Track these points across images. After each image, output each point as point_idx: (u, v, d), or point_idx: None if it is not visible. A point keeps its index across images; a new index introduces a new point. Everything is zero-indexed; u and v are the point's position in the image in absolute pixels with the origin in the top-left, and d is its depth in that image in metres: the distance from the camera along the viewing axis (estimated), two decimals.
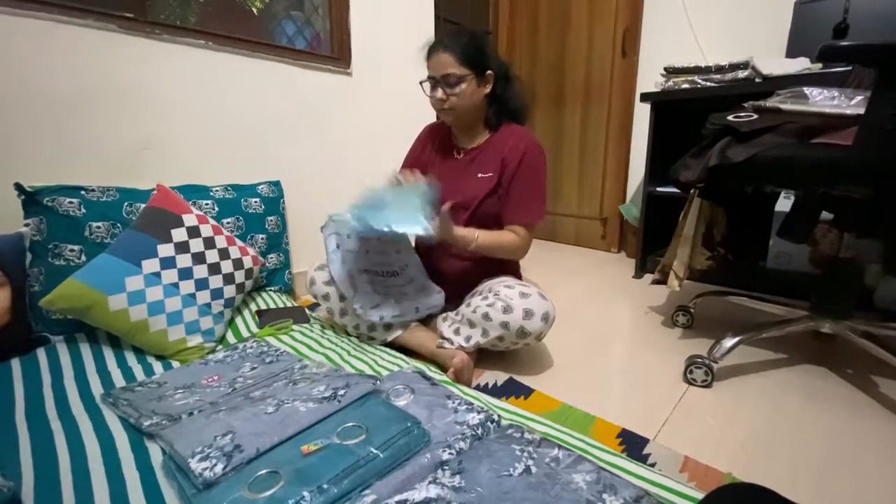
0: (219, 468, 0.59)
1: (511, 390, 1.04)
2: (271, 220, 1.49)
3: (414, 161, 1.32)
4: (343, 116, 1.81)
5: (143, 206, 1.15)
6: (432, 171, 1.27)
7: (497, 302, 1.03)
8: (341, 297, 1.13)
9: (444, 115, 1.17)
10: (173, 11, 1.43)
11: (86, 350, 1.00)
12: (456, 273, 1.22)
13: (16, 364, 0.92)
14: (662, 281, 1.42)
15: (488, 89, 1.15)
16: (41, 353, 0.96)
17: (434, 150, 1.30)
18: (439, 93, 1.11)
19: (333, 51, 1.79)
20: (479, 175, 1.17)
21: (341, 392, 0.77)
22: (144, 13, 1.29)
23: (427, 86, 1.15)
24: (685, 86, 1.69)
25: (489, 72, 1.14)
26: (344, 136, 1.82)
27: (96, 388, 0.85)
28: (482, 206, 1.17)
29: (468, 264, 1.21)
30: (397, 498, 0.56)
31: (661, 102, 1.81)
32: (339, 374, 0.85)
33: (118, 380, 0.89)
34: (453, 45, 1.09)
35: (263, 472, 0.60)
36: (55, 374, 0.89)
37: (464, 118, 1.17)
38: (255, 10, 1.65)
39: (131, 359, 0.99)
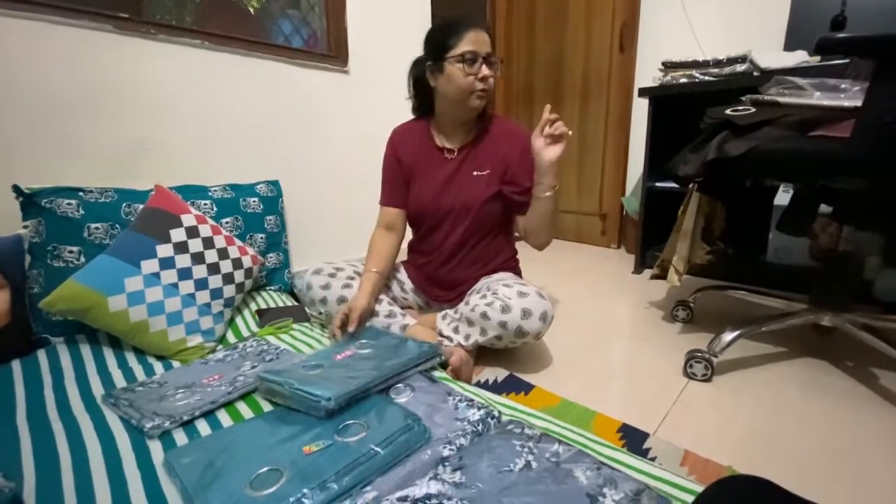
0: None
1: (511, 386, 1.04)
2: (270, 220, 1.49)
3: (395, 177, 1.22)
4: (341, 115, 1.81)
5: (141, 206, 1.15)
6: (419, 176, 1.20)
7: (495, 301, 1.03)
8: (339, 301, 1.12)
9: (478, 100, 1.08)
10: (169, 11, 1.43)
11: (86, 351, 1.00)
12: (454, 271, 1.22)
13: (16, 366, 0.92)
14: (662, 276, 1.41)
15: None
16: (42, 355, 0.96)
17: (414, 154, 1.20)
18: (485, 69, 1.05)
19: (331, 49, 1.79)
20: (475, 173, 1.15)
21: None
22: (140, 13, 1.29)
23: (460, 64, 1.04)
24: (683, 80, 1.69)
25: None
26: (342, 135, 1.82)
27: (97, 389, 0.85)
28: (485, 207, 1.15)
29: (465, 263, 1.20)
30: (398, 494, 0.57)
31: (659, 97, 1.80)
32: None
33: (119, 380, 0.89)
34: (486, 28, 1.06)
35: (264, 469, 0.60)
36: (56, 375, 0.90)
37: (485, 104, 1.12)
38: (251, 9, 1.65)
39: (132, 359, 0.99)
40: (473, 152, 1.16)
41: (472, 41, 1.04)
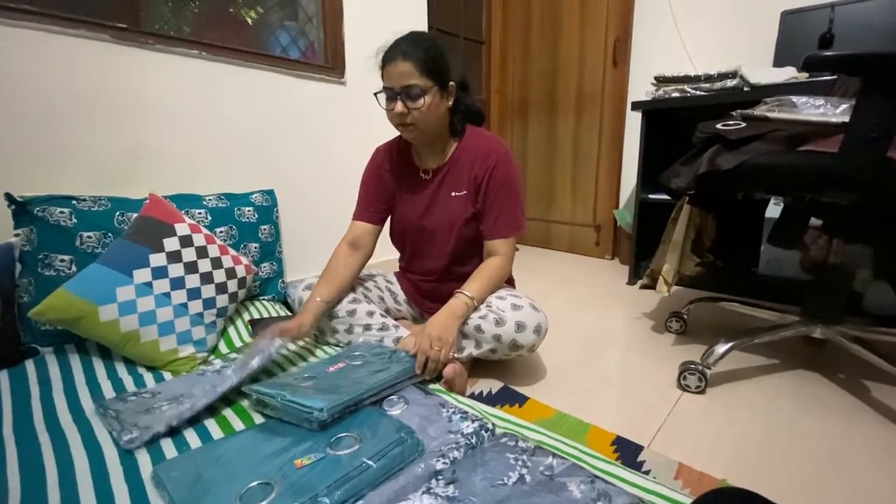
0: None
1: (505, 398, 1.04)
2: (265, 229, 1.48)
3: (373, 192, 1.20)
4: (337, 125, 1.82)
5: (134, 215, 1.14)
6: (401, 197, 1.19)
7: (489, 314, 1.03)
8: (329, 317, 1.11)
9: (406, 132, 1.07)
10: (167, 21, 1.44)
11: (75, 362, 0.99)
12: (446, 286, 1.20)
13: (4, 376, 0.91)
14: (651, 286, 1.42)
15: (451, 102, 1.08)
16: (30, 365, 0.95)
17: (395, 174, 1.19)
18: (399, 106, 1.00)
19: (328, 60, 1.80)
20: (454, 194, 1.12)
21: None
22: (138, 23, 1.30)
23: (382, 98, 1.04)
24: (675, 94, 1.71)
25: (451, 83, 1.06)
26: (338, 145, 1.83)
27: (86, 401, 0.84)
28: (466, 227, 1.13)
29: (457, 278, 1.19)
30: None
31: (651, 111, 1.83)
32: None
33: (108, 392, 0.88)
34: (414, 53, 0.98)
35: (255, 483, 0.59)
36: (44, 386, 0.88)
37: (427, 134, 1.08)
38: (249, 21, 1.66)
39: (122, 370, 0.97)
40: (451, 173, 1.14)
41: (388, 75, 1.01)
